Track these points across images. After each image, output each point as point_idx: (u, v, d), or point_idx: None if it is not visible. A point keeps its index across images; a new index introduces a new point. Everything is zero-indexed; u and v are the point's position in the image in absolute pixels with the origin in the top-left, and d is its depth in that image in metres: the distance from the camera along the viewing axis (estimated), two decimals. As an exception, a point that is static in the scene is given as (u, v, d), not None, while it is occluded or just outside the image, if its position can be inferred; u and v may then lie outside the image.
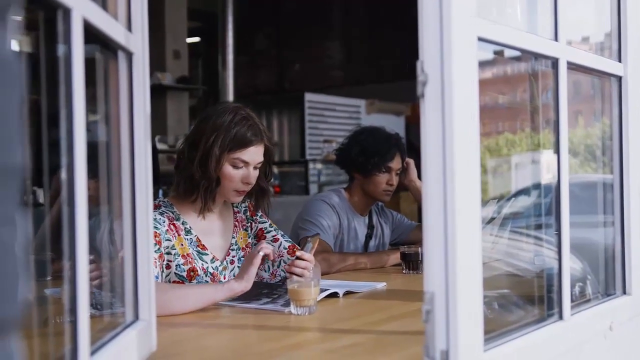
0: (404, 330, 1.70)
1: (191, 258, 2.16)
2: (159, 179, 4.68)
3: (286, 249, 2.33)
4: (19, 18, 0.61)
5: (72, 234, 1.00)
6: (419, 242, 2.95)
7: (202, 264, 2.19)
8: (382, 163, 2.97)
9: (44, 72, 1.05)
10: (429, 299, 1.17)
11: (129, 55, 1.34)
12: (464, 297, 1.16)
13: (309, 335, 1.70)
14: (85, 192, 1.02)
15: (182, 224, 2.20)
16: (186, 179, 2.18)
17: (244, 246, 2.34)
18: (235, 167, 2.16)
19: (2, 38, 0.56)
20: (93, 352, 1.09)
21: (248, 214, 2.39)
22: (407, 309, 1.96)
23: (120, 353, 1.22)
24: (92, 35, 1.11)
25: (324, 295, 2.04)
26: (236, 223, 2.35)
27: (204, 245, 2.22)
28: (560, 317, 1.50)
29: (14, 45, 0.58)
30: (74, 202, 1.00)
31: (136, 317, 1.37)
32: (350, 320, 1.85)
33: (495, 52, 1.47)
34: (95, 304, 1.32)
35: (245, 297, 2.03)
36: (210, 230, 2.27)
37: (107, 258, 1.50)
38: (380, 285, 2.34)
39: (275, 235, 2.37)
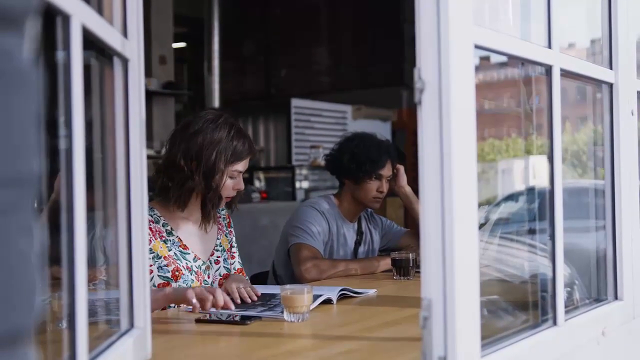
0: (398, 336, 1.70)
1: (173, 259, 2.22)
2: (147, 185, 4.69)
3: (235, 270, 2.43)
4: (36, 27, 0.60)
5: (70, 241, 1.00)
6: (408, 248, 2.96)
7: (186, 263, 2.25)
8: (373, 170, 2.96)
9: (41, 77, 1.04)
10: (427, 306, 1.17)
11: (125, 62, 1.34)
12: (462, 303, 1.16)
13: (303, 342, 1.70)
14: (83, 198, 1.01)
15: (163, 226, 2.26)
16: (187, 192, 2.24)
17: (227, 249, 2.45)
18: (231, 177, 2.28)
19: (19, 47, 0.56)
20: (90, 361, 1.08)
21: (226, 222, 2.50)
22: (400, 315, 1.96)
23: (116, 361, 1.21)
24: (89, 41, 1.11)
25: (319, 302, 2.04)
26: (219, 226, 2.44)
27: (185, 245, 2.28)
28: (555, 323, 1.51)
29: (31, 54, 0.58)
30: (73, 208, 0.99)
31: (131, 325, 1.36)
32: (344, 326, 1.85)
33: (482, 58, 1.48)
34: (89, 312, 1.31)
35: (242, 306, 2.03)
36: (194, 232, 2.33)
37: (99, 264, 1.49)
38: (372, 292, 2.34)
39: (235, 253, 2.50)
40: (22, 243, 0.56)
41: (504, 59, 1.56)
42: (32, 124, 0.57)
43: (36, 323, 0.58)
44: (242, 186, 2.32)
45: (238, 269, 2.45)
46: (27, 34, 0.57)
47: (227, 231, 2.48)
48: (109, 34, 1.20)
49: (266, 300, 2.12)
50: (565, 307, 1.57)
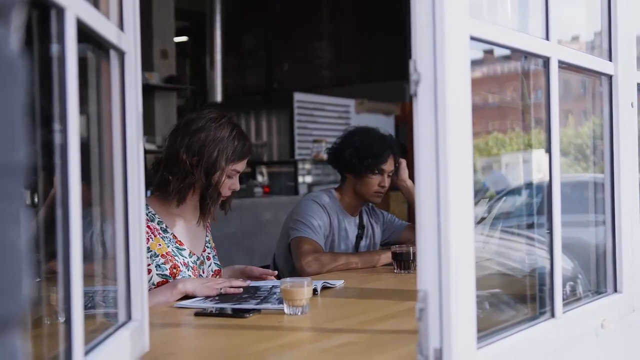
0: (397, 329, 1.70)
1: (171, 256, 2.25)
2: (147, 180, 4.70)
3: (213, 271, 2.43)
4: (21, 18, 0.61)
5: (65, 235, 1.00)
6: (409, 241, 2.96)
7: (183, 259, 2.28)
8: (375, 165, 2.96)
9: (35, 71, 1.05)
10: (423, 297, 1.17)
11: (121, 55, 1.34)
12: (458, 295, 1.16)
13: (303, 334, 1.70)
14: (79, 192, 1.01)
15: (158, 223, 2.29)
16: (187, 187, 2.27)
17: (213, 247, 2.49)
18: (229, 177, 2.31)
19: (5, 38, 0.56)
20: (86, 353, 1.09)
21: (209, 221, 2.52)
22: (399, 308, 1.96)
23: (113, 353, 1.22)
24: (84, 34, 1.11)
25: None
26: (208, 225, 2.48)
27: (180, 241, 2.31)
28: (552, 315, 1.51)
29: (17, 45, 0.58)
30: (68, 202, 1.00)
31: (129, 317, 1.36)
32: (343, 319, 1.85)
33: (485, 51, 1.47)
34: (86, 305, 1.31)
35: (232, 300, 2.02)
36: (186, 229, 2.36)
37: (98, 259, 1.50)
38: (340, 282, 2.35)
39: (215, 253, 2.50)
40: (10, 232, 0.57)
41: (507, 52, 1.56)
42: (19, 114, 0.58)
43: (24, 311, 0.59)
44: (237, 187, 2.37)
45: (215, 270, 2.45)
46: (13, 25, 0.57)
47: (210, 230, 2.53)
48: (104, 27, 1.20)
49: (253, 293, 2.12)
50: (567, 300, 1.57)
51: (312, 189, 7.10)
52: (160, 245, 2.24)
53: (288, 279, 1.94)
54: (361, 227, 3.13)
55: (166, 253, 2.24)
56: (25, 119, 0.59)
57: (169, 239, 2.27)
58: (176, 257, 2.26)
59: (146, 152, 6.14)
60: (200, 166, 2.24)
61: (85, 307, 1.12)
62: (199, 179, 2.26)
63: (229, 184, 2.32)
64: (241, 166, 2.33)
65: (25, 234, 0.59)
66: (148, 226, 2.23)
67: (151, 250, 2.21)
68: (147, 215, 2.26)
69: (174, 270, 2.23)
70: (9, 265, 0.56)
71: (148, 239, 2.20)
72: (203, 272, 2.36)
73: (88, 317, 1.28)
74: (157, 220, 2.28)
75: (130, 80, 1.36)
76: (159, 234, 2.26)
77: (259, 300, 2.01)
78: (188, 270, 2.27)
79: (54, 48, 1.01)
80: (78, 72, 1.04)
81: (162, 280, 2.20)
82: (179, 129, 2.31)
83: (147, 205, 2.28)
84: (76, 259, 1.01)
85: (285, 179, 7.52)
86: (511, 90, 2.02)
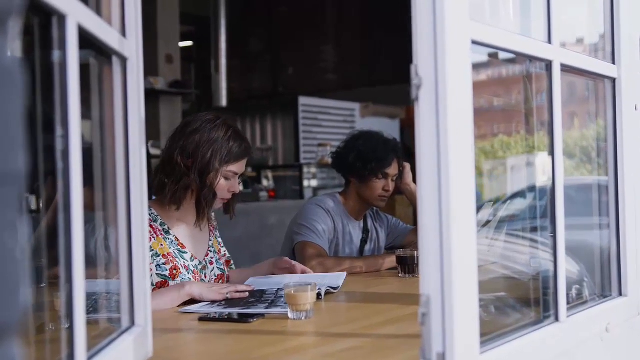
0: (401, 333, 1.70)
1: (172, 257, 2.26)
2: (150, 184, 4.71)
3: (215, 276, 2.42)
4: (19, 25, 0.61)
5: (68, 240, 1.00)
6: (414, 245, 2.95)
7: (184, 262, 2.28)
8: (380, 169, 2.96)
9: (38, 77, 1.05)
10: (425, 302, 1.17)
11: (124, 61, 1.34)
12: (460, 300, 1.16)
13: (307, 339, 1.70)
14: (80, 198, 1.02)
15: (160, 225, 2.29)
16: (182, 189, 2.26)
17: (217, 250, 2.48)
18: (226, 178, 2.30)
19: (3, 45, 0.56)
20: (89, 358, 1.09)
21: (215, 225, 2.54)
22: (403, 312, 1.96)
23: (116, 359, 1.22)
24: (86, 40, 1.11)
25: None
26: (211, 229, 2.48)
27: (182, 244, 2.32)
28: (557, 319, 1.51)
29: (15, 52, 0.59)
30: (70, 208, 1.00)
31: (132, 322, 1.36)
32: (347, 324, 1.85)
33: (490, 55, 1.47)
34: (89, 309, 1.31)
35: (239, 305, 2.02)
36: (189, 233, 2.36)
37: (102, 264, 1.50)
38: (342, 277, 2.37)
39: (219, 257, 2.48)
40: (7, 239, 0.57)
41: (512, 55, 1.56)
42: (17, 121, 0.58)
43: (23, 319, 0.59)
44: (237, 189, 2.34)
45: (218, 274, 2.45)
46: (11, 32, 0.57)
47: (216, 234, 2.52)
48: (106, 33, 1.21)
49: (259, 297, 2.12)
50: (572, 303, 1.57)
51: (318, 193, 7.09)
52: (162, 245, 2.25)
53: (292, 284, 1.94)
54: (365, 231, 3.13)
55: (167, 254, 2.24)
56: (24, 127, 0.59)
57: (170, 241, 2.28)
58: (177, 259, 2.26)
59: (152, 157, 6.14)
60: (194, 168, 2.24)
61: (88, 312, 1.12)
62: (193, 180, 2.25)
63: (228, 186, 2.31)
64: (238, 167, 2.31)
65: (23, 242, 0.59)
66: (151, 226, 2.24)
67: (153, 250, 2.21)
68: (150, 216, 2.26)
69: (174, 272, 2.23)
70: (7, 272, 0.56)
71: (150, 238, 2.20)
72: (205, 277, 2.36)
73: (91, 322, 1.29)
74: (159, 221, 2.29)
75: (132, 85, 1.36)
76: (161, 234, 2.27)
77: (267, 305, 2.00)
78: (188, 273, 2.27)
79: (56, 54, 1.01)
80: (81, 78, 1.04)
81: (162, 281, 2.20)
82: (175, 132, 2.33)
83: (149, 207, 2.28)
84: (78, 264, 1.01)
85: (291, 183, 7.52)
86: (516, 93, 2.02)
